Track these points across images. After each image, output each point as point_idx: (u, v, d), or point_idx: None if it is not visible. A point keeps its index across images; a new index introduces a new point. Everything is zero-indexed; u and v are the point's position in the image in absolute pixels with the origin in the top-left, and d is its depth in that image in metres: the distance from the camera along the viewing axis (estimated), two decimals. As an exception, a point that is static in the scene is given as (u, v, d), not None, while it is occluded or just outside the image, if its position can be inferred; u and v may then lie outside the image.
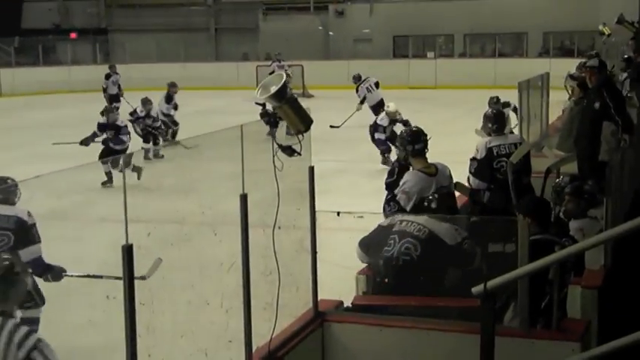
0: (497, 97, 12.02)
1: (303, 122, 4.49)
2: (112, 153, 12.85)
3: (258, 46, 35.77)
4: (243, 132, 4.32)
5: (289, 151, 4.46)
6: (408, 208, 5.93)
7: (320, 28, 36.18)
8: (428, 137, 6.25)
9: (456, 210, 6.52)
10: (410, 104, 18.57)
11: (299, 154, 4.49)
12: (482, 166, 7.33)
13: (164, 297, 4.07)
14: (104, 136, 13.19)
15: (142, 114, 15.74)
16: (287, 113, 4.43)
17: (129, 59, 32.45)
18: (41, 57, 33.24)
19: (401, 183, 6.09)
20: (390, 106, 14.26)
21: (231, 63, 32.79)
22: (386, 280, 5.38)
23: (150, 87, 30.38)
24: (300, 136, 4.50)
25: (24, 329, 3.55)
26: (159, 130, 16.01)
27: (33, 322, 5.90)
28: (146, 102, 15.93)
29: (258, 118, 4.49)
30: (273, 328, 4.42)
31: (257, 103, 13.73)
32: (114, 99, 22.87)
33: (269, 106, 4.47)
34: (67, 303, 4.91)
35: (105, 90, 23.40)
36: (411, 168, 6.22)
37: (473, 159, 7.44)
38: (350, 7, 35.84)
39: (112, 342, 3.60)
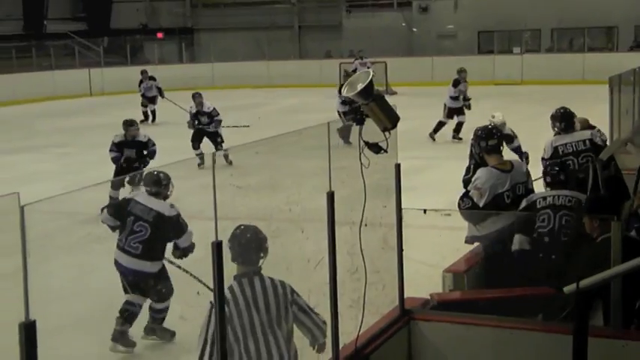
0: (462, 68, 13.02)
1: (389, 119, 4.47)
2: (130, 171, 11.07)
3: (341, 43, 35.81)
4: (330, 129, 4.33)
5: (375, 148, 4.45)
6: (481, 204, 5.91)
7: (403, 24, 36.00)
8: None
9: None
10: (495, 100, 18.33)
11: (385, 151, 4.47)
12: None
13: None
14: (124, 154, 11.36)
15: (193, 110, 14.97)
16: (374, 110, 4.42)
17: (214, 58, 32.90)
18: (129, 56, 33.96)
19: (473, 179, 6.06)
20: (496, 116, 12.23)
21: (315, 60, 32.92)
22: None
23: (235, 85, 30.88)
24: (386, 133, 4.49)
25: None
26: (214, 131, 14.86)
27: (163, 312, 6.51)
28: (195, 96, 15.12)
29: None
30: (360, 326, 4.41)
31: (343, 101, 13.58)
32: (151, 101, 22.84)
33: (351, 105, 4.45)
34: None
35: (143, 95, 23.05)
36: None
37: (542, 159, 7.38)
38: (434, 3, 35.57)
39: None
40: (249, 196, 4.27)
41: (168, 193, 6.62)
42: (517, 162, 6.25)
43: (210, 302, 3.66)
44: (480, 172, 6.09)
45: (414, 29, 35.66)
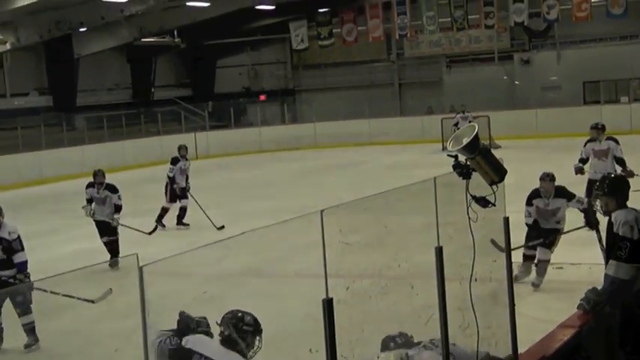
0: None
1: (496, 173, 4.45)
2: None
3: (443, 98, 35.79)
4: (436, 184, 4.33)
5: (483, 202, 4.42)
6: (635, 238, 5.60)
7: (505, 77, 35.78)
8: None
9: None
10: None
11: (493, 204, 4.43)
12: None
13: (364, 350, 4.10)
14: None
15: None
16: (480, 164, 4.40)
17: (315, 117, 33.34)
18: (233, 119, 34.72)
19: (614, 221, 5.73)
20: None
21: (416, 117, 32.96)
22: None
23: (337, 143, 31.18)
24: (493, 187, 4.46)
25: None
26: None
27: None
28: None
29: (450, 170, 4.48)
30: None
31: (449, 155, 13.32)
32: (174, 197, 15.80)
33: (461, 158, 4.45)
34: (273, 356, 5.04)
35: (172, 180, 15.80)
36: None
37: None
38: (536, 55, 35.27)
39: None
40: (357, 252, 4.28)
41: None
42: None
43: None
44: (618, 213, 5.75)
45: (517, 82, 35.38)
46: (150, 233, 12.64)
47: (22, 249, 8.49)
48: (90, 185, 12.95)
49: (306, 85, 40.08)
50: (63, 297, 7.14)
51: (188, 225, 15.58)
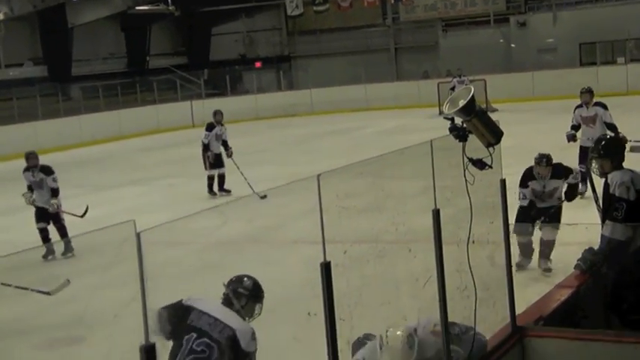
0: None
1: (493, 135, 4.44)
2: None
3: (439, 63, 35.69)
4: (432, 147, 4.33)
5: (480, 164, 4.42)
6: (632, 199, 5.64)
7: (501, 40, 35.66)
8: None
9: None
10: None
11: (490, 167, 4.43)
12: None
13: (363, 313, 4.12)
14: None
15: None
16: (476, 126, 4.39)
17: (312, 84, 33.25)
18: (229, 87, 34.62)
19: (610, 182, 5.76)
20: None
21: (412, 82, 32.88)
22: None
23: (333, 110, 31.12)
24: (490, 149, 4.45)
25: None
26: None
27: None
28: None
29: (447, 133, 4.47)
30: (472, 344, 4.37)
31: (445, 118, 13.27)
32: (212, 164, 15.27)
33: (458, 120, 4.44)
34: (272, 320, 5.06)
35: (207, 148, 15.28)
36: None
37: None
38: (532, 17, 35.10)
39: (316, 358, 3.69)
40: (355, 217, 4.28)
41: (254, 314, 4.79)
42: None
43: None
44: (614, 174, 5.77)
45: (513, 45, 35.25)
46: (82, 216, 11.30)
47: None
48: (25, 169, 11.77)
49: (301, 52, 39.91)
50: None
51: (230, 191, 14.98)
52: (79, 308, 7.13)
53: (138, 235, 2.64)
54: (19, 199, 11.64)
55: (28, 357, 6.73)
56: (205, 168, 15.22)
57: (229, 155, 15.03)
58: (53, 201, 11.35)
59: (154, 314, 4.23)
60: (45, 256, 10.96)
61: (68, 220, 11.53)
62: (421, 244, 4.43)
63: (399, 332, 4.25)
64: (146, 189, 16.89)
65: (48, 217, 11.46)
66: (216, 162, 15.13)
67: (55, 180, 11.50)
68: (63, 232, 11.52)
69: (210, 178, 15.17)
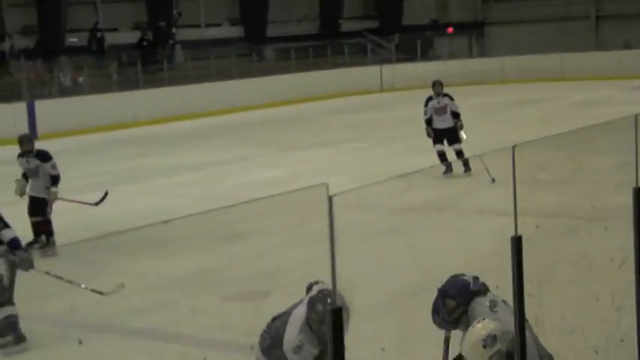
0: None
1: None
2: None
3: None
4: (637, 121, 4.10)
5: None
6: None
7: None
8: None
9: None
10: None
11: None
12: None
13: (552, 290, 3.97)
14: None
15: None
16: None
17: (505, 52, 32.46)
18: (419, 52, 34.37)
19: None
20: None
21: (613, 52, 31.38)
22: None
23: (526, 79, 30.26)
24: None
25: None
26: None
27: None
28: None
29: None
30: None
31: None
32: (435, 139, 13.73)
33: None
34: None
35: (428, 122, 13.78)
36: None
37: None
38: None
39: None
40: (548, 190, 4.13)
41: None
42: None
43: None
44: None
45: None
46: (97, 204, 10.41)
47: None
48: (19, 155, 10.32)
49: (495, 18, 38.96)
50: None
51: (470, 170, 12.88)
52: (269, 264, 7.32)
53: (330, 199, 2.64)
54: (223, 152, 11.63)
55: (216, 308, 6.97)
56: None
57: (459, 128, 13.45)
58: (53, 189, 9.99)
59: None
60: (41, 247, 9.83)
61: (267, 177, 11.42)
62: (618, 222, 4.23)
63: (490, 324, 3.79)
64: (333, 151, 17.10)
65: (44, 209, 10.03)
66: (437, 138, 13.53)
67: (54, 166, 10.09)
68: (48, 228, 10.09)
69: (440, 155, 13.48)
